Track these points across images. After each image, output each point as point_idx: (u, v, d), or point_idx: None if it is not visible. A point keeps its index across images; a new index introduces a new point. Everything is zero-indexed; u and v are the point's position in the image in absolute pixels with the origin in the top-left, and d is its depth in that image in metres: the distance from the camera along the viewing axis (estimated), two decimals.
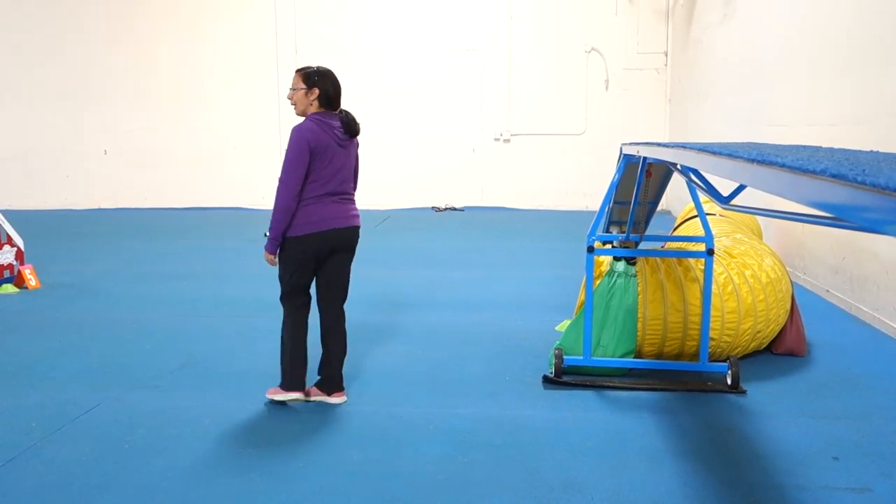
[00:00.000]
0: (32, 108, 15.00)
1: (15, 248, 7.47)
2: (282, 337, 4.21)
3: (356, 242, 4.27)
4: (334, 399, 4.22)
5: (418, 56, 14.30)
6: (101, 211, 14.79)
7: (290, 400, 4.20)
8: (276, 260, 4.13)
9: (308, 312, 4.24)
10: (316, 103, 4.06)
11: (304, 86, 4.04)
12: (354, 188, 4.30)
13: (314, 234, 4.02)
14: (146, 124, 14.88)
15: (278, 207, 3.98)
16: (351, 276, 4.30)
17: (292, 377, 4.17)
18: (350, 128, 4.11)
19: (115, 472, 3.42)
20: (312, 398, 4.23)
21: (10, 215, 8.38)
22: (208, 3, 14.51)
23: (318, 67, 4.15)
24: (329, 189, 4.05)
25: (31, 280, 7.39)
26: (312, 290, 4.24)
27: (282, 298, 4.20)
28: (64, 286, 7.45)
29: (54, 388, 4.53)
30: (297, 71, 4.14)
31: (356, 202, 4.28)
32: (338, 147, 4.06)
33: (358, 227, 4.24)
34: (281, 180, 3.98)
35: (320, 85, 4.05)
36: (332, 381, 4.24)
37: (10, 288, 7.24)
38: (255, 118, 14.46)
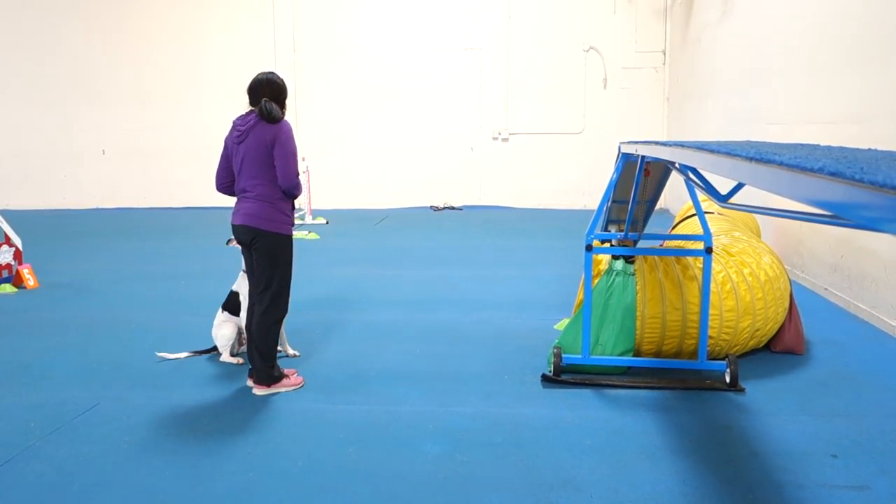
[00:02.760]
0: (30, 108, 15.00)
1: (13, 248, 7.46)
2: None
3: (251, 240, 4.33)
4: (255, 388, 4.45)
5: (416, 55, 14.30)
6: (99, 210, 14.79)
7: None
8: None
9: (252, 303, 4.52)
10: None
11: None
12: (260, 184, 4.28)
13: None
14: (144, 124, 14.88)
15: None
16: (275, 278, 4.34)
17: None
18: (260, 109, 4.30)
19: (114, 472, 3.42)
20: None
21: (8, 215, 8.37)
22: (206, 2, 14.51)
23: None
24: (236, 186, 4.43)
25: (30, 280, 7.39)
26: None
27: None
28: (62, 286, 7.45)
29: (53, 387, 4.53)
30: None
31: (265, 199, 4.29)
32: (233, 144, 4.37)
33: (246, 226, 4.31)
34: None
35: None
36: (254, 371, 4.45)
37: (8, 288, 7.24)
38: None
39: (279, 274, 4.35)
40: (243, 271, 4.89)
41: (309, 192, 12.36)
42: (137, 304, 6.64)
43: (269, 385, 4.39)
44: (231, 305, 5.02)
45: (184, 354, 5.10)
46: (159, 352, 5.13)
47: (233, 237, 4.80)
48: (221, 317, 5.06)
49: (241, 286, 4.92)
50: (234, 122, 4.41)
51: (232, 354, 5.02)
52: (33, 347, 5.37)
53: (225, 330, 5.00)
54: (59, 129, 15.01)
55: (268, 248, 4.30)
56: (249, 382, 4.48)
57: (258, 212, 4.27)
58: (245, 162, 4.29)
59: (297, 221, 11.92)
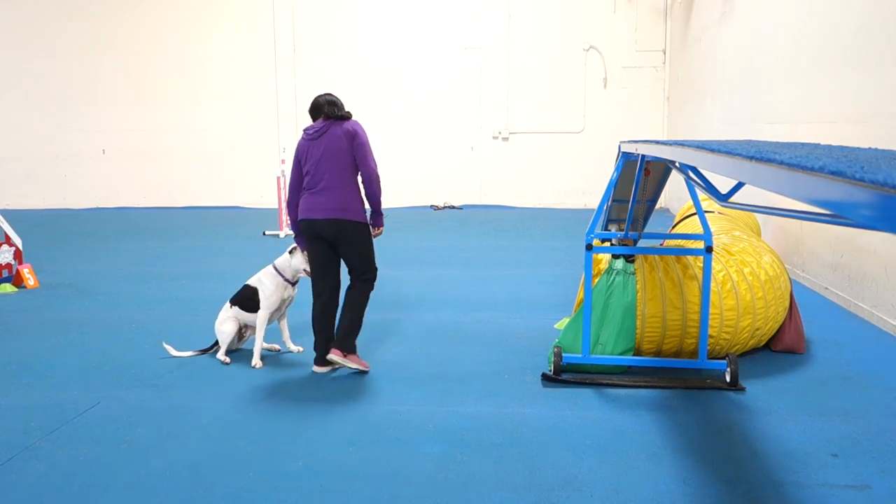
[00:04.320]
0: (31, 108, 15.01)
1: (13, 248, 7.46)
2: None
3: (337, 234, 4.56)
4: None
5: (417, 54, 14.30)
6: (99, 210, 14.79)
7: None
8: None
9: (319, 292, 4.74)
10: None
11: None
12: (346, 176, 4.56)
13: (302, 221, 4.64)
14: (144, 124, 14.89)
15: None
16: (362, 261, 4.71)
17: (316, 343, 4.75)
18: (327, 115, 4.61)
19: (114, 472, 3.42)
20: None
21: (9, 214, 8.38)
22: (206, 2, 14.51)
23: None
24: (305, 183, 4.64)
25: (30, 279, 7.39)
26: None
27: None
28: (62, 285, 7.45)
29: (53, 387, 4.53)
30: None
31: (345, 193, 4.56)
32: (309, 143, 4.62)
33: (334, 220, 4.52)
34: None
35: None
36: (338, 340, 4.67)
37: (8, 287, 7.24)
38: (253, 118, 14.47)
39: (372, 254, 4.72)
40: (274, 268, 4.91)
41: None
42: (138, 304, 6.64)
43: (345, 354, 4.59)
44: (244, 300, 4.98)
45: (188, 353, 5.09)
46: (166, 343, 5.15)
47: (296, 245, 4.87)
48: (228, 312, 5.04)
49: (265, 283, 4.90)
50: (305, 130, 4.66)
51: (227, 351, 5.02)
52: (33, 347, 5.37)
53: (227, 326, 5.00)
54: (59, 129, 15.01)
55: (357, 237, 4.60)
56: (332, 352, 4.61)
57: (345, 205, 4.53)
58: (324, 157, 4.54)
59: None
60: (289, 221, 4.76)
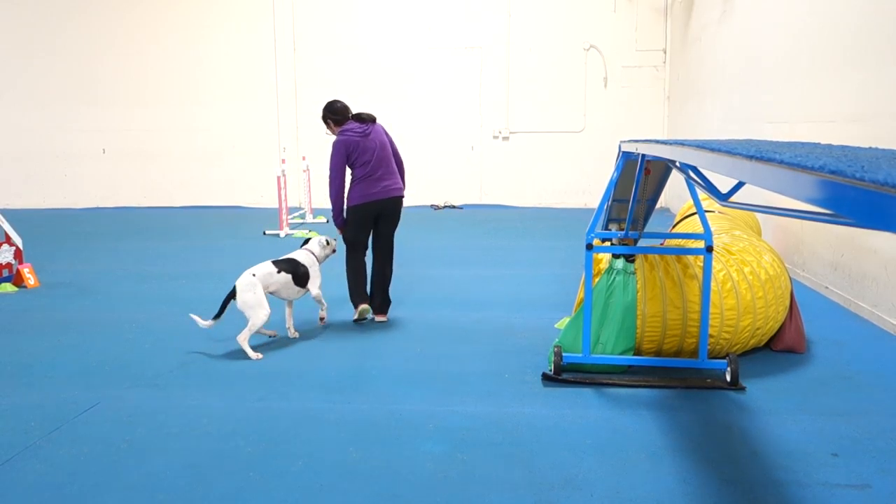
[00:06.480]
0: (31, 108, 15.01)
1: (13, 247, 7.46)
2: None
3: (396, 208, 5.81)
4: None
5: (417, 54, 14.29)
6: (99, 210, 14.79)
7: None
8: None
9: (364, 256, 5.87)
10: (335, 127, 5.79)
11: (325, 125, 5.86)
12: (393, 164, 5.81)
13: (367, 203, 5.71)
14: (145, 124, 14.88)
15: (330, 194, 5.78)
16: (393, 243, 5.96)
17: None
18: (360, 118, 5.75)
19: (115, 472, 3.42)
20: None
21: (9, 214, 8.37)
22: (206, 2, 14.50)
23: (324, 107, 5.82)
24: (363, 173, 5.68)
25: (30, 279, 7.39)
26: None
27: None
28: (62, 285, 7.45)
29: (53, 387, 4.53)
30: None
31: (397, 176, 5.82)
32: (362, 139, 5.67)
33: (399, 197, 5.82)
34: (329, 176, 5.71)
35: (329, 118, 5.79)
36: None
37: (8, 287, 7.24)
38: (254, 117, 14.47)
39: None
40: (312, 253, 5.51)
41: (309, 191, 12.36)
42: (138, 304, 6.64)
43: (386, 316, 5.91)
44: (297, 273, 5.34)
45: (209, 322, 5.13)
46: (193, 314, 5.26)
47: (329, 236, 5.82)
48: (268, 281, 5.22)
49: (310, 259, 5.48)
50: (349, 130, 5.65)
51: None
52: (33, 347, 5.37)
53: (267, 310, 5.08)
54: (59, 129, 15.01)
55: (400, 211, 5.84)
56: (380, 317, 5.91)
57: (401, 185, 5.84)
58: (379, 151, 5.68)
59: (297, 221, 11.95)
60: (333, 209, 5.69)
